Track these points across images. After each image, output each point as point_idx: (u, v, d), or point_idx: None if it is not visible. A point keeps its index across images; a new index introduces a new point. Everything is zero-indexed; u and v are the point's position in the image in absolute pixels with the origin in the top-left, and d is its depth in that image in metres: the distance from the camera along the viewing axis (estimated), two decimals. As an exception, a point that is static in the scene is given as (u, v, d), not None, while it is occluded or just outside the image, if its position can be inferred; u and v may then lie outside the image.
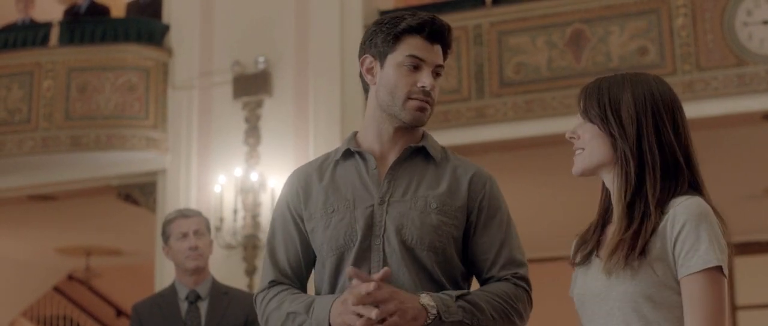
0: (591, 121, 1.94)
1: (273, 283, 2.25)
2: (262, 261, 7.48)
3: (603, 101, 1.92)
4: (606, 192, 1.99)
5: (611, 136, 1.91)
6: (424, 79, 2.16)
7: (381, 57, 2.21)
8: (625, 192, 1.89)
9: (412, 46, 2.18)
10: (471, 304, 2.09)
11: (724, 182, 7.83)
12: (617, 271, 1.83)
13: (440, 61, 2.21)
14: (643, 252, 1.83)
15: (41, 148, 7.43)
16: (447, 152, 2.28)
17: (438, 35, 2.20)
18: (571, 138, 1.97)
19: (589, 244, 1.96)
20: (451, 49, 2.25)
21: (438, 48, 2.21)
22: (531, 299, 2.21)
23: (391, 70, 2.19)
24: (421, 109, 2.18)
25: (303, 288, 2.27)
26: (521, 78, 6.88)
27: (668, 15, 6.59)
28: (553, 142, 6.50)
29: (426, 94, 2.17)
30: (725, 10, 6.48)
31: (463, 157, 2.29)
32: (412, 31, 2.18)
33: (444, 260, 2.15)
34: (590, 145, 1.93)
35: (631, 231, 1.84)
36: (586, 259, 1.95)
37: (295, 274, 2.26)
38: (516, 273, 2.18)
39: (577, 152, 1.96)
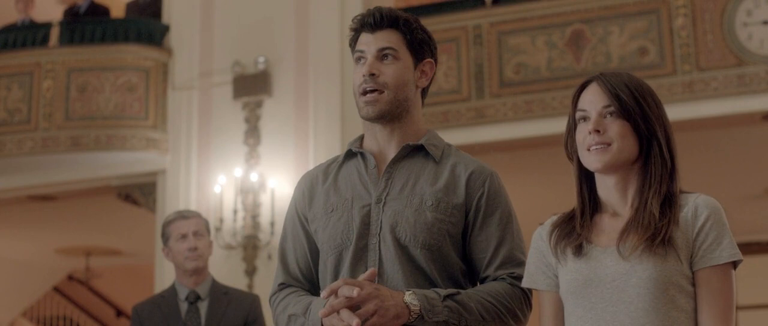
0: (623, 118, 1.92)
1: (282, 286, 2.28)
2: (262, 261, 7.46)
3: (637, 98, 1.92)
4: (590, 183, 1.99)
5: (648, 132, 1.92)
6: (364, 67, 2.20)
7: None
8: (664, 184, 1.91)
9: (358, 43, 2.24)
10: (459, 304, 2.07)
11: (724, 182, 7.83)
12: (644, 257, 1.85)
13: (384, 44, 2.21)
14: (670, 241, 1.85)
15: (41, 148, 7.43)
16: (450, 149, 2.27)
17: (375, 22, 2.22)
18: (597, 131, 1.93)
19: (581, 235, 1.94)
20: (409, 28, 2.23)
21: (384, 33, 2.22)
22: (529, 299, 2.18)
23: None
24: (369, 101, 2.19)
25: (314, 289, 2.27)
26: (521, 78, 6.88)
27: (668, 15, 6.59)
28: (553, 142, 6.48)
29: (369, 81, 2.18)
30: (725, 11, 6.48)
31: (465, 154, 2.28)
32: (357, 30, 2.25)
33: (439, 258, 2.14)
34: (622, 142, 1.92)
35: (666, 220, 1.87)
36: (579, 250, 1.93)
37: (305, 276, 2.28)
38: (513, 273, 2.16)
39: (599, 147, 1.92)
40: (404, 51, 2.22)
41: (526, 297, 2.18)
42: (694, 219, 1.87)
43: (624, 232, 1.89)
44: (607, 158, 1.92)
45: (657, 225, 1.86)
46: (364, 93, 2.20)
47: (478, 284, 2.21)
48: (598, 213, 1.97)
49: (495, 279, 2.17)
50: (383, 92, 2.19)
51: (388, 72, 2.19)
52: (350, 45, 2.29)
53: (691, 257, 1.87)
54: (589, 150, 1.94)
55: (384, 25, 2.22)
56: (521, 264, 2.19)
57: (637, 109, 1.91)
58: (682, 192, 1.93)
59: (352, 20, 2.27)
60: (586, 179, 1.99)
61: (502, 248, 2.18)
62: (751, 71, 6.32)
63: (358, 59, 2.23)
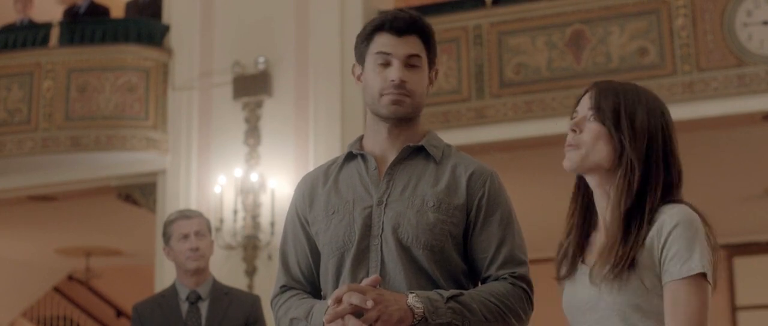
0: (600, 122, 1.92)
1: (284, 288, 2.29)
2: (262, 261, 7.44)
3: (619, 107, 1.91)
4: (583, 195, 1.98)
5: (620, 142, 1.90)
6: (393, 72, 2.18)
7: (361, 61, 2.25)
8: (625, 200, 1.88)
9: (379, 43, 2.21)
10: (462, 305, 2.07)
11: (724, 182, 7.84)
12: (607, 282, 1.84)
13: (412, 51, 2.20)
14: (633, 264, 1.83)
15: (41, 148, 7.43)
16: (450, 149, 2.28)
17: (404, 26, 2.20)
18: (573, 130, 1.94)
19: (572, 254, 1.95)
20: (429, 35, 2.23)
21: (410, 39, 2.20)
22: (531, 299, 2.19)
23: (367, 70, 2.23)
24: (396, 102, 2.18)
25: (316, 291, 2.28)
26: (521, 78, 6.88)
27: (668, 15, 6.59)
28: (553, 143, 6.48)
29: (397, 87, 2.17)
30: (725, 11, 6.48)
31: (465, 154, 2.29)
32: (378, 29, 2.22)
33: (442, 259, 2.15)
34: (591, 145, 1.91)
35: (628, 245, 1.84)
36: (572, 270, 1.94)
37: (306, 278, 2.29)
38: (514, 273, 2.17)
39: (572, 148, 1.93)
40: (424, 58, 2.23)
41: (527, 296, 2.18)
42: (659, 235, 1.83)
43: (599, 254, 1.89)
44: (576, 158, 1.92)
45: (621, 251, 1.83)
46: (386, 94, 2.18)
47: (480, 284, 2.22)
48: (594, 231, 1.97)
49: (497, 279, 2.17)
50: (410, 97, 2.19)
51: (415, 80, 2.20)
52: (363, 41, 2.25)
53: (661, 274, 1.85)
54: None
55: (414, 31, 2.21)
56: (522, 263, 2.20)
57: (613, 117, 1.90)
58: (673, 202, 1.89)
59: (375, 18, 2.24)
60: (585, 188, 1.99)
61: (504, 248, 2.18)
62: (751, 71, 6.33)
63: (383, 62, 2.20)
